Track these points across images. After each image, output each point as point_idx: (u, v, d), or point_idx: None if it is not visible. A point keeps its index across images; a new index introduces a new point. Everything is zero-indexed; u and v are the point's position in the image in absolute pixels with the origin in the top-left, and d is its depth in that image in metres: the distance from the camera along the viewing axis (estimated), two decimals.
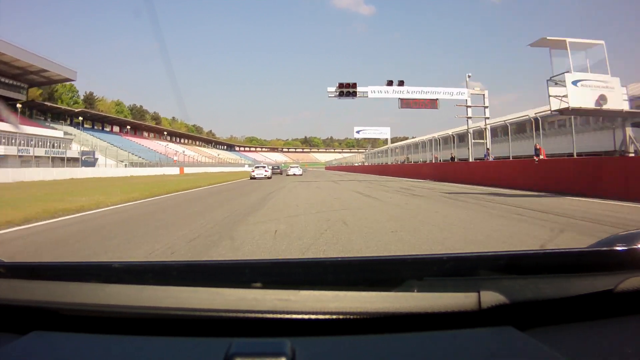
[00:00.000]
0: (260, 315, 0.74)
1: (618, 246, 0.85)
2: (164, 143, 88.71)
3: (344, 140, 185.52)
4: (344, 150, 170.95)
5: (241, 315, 0.75)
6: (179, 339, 0.74)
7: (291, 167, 45.35)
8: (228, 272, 0.88)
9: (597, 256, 0.88)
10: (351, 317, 0.75)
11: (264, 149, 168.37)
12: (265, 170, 30.95)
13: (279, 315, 0.74)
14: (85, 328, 0.77)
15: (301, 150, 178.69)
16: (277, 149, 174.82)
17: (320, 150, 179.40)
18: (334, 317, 0.75)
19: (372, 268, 0.88)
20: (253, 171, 31.09)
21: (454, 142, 26.82)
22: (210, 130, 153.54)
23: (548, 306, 0.79)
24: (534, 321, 0.78)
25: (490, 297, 0.76)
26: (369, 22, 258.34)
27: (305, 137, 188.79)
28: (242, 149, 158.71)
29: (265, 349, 0.65)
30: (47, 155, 47.91)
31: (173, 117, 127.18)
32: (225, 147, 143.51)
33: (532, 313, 0.79)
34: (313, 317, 0.75)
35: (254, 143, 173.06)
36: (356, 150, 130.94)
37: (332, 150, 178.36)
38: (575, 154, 14.47)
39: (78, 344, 0.75)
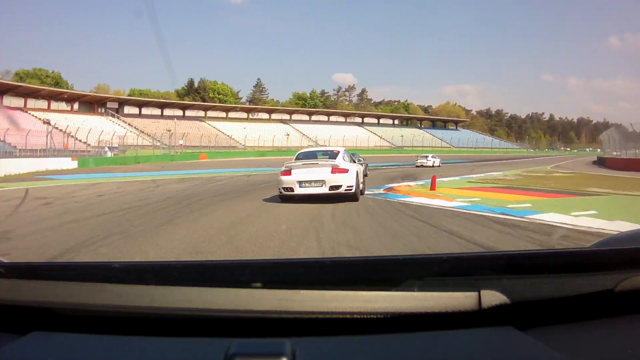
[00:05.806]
0: (260, 316, 0.75)
1: (618, 246, 0.86)
2: None
3: (386, 104, 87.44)
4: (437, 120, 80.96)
5: (241, 315, 0.75)
6: (179, 339, 0.74)
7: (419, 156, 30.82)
8: (228, 272, 0.88)
9: (597, 256, 0.88)
10: (351, 317, 0.75)
11: (229, 115, 70.06)
12: (335, 171, 8.59)
13: (279, 316, 0.75)
14: (85, 328, 0.77)
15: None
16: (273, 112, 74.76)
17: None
18: (334, 317, 0.75)
19: (373, 268, 0.88)
20: (287, 173, 8.71)
21: None
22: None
23: (548, 306, 0.79)
24: (534, 321, 0.78)
25: (491, 297, 0.76)
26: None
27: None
28: (138, 111, 61.83)
29: (266, 349, 0.66)
30: None
31: None
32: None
33: (532, 313, 0.79)
34: (313, 317, 0.75)
35: (207, 96, 72.37)
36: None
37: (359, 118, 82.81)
38: None
39: (78, 345, 0.76)
